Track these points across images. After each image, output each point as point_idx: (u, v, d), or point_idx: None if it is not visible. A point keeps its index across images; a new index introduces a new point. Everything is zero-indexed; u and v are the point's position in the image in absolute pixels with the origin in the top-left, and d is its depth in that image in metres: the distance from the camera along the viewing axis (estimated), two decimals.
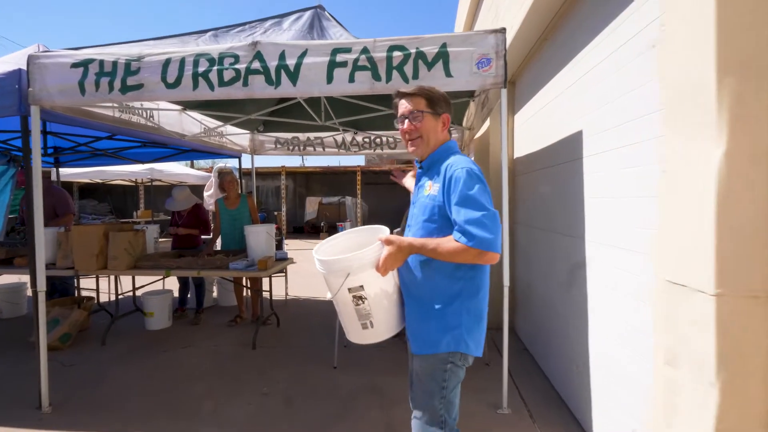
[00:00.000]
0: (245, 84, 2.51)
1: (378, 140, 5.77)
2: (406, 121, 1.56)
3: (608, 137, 2.09)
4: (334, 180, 17.78)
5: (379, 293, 1.50)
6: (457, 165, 1.45)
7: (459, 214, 1.38)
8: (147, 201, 14.30)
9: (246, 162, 6.21)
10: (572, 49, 2.56)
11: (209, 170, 13.28)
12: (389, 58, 2.45)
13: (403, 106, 1.57)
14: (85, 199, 15.71)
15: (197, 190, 9.37)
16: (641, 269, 1.78)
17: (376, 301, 1.50)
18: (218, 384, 3.14)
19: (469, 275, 1.47)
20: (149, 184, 12.45)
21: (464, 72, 2.45)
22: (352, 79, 2.48)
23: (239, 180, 4.61)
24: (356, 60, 2.47)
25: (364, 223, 14.95)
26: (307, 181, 18.43)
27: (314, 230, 15.45)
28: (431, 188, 1.51)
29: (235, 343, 4.01)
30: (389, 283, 1.54)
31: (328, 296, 1.56)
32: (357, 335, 1.59)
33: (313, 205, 15.46)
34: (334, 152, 5.92)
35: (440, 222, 1.47)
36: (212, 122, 4.83)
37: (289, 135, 5.82)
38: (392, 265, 1.44)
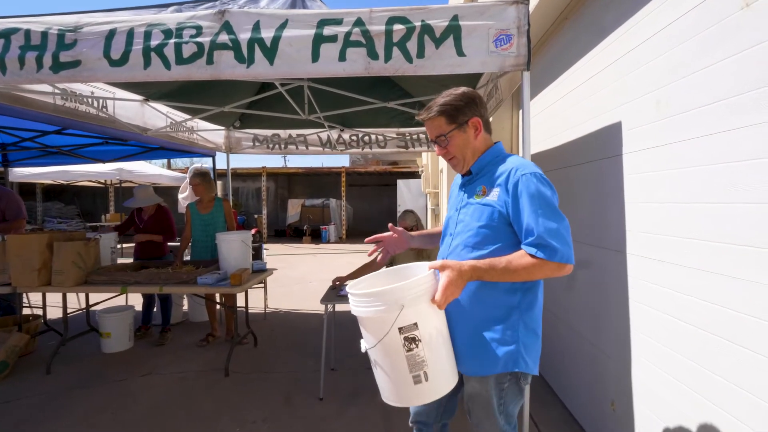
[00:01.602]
0: (209, 61, 2.03)
1: (366, 138, 5.32)
2: (437, 146, 1.46)
3: (669, 128, 1.68)
4: (318, 181, 17.23)
5: (434, 333, 1.23)
6: (525, 169, 1.31)
7: (537, 225, 1.24)
8: (117, 203, 13.47)
9: (221, 162, 5.66)
10: (606, 26, 2.17)
11: (185, 171, 12.57)
12: (389, 32, 2.00)
13: (428, 131, 1.47)
14: (50, 202, 14.74)
15: (171, 192, 8.71)
16: (721, 295, 1.38)
17: (432, 344, 1.21)
18: (181, 425, 2.62)
19: (527, 285, 1.35)
20: (119, 185, 11.66)
21: (479, 51, 2.02)
22: (342, 57, 2.02)
23: (213, 182, 4.11)
24: (348, 34, 2.01)
25: (348, 226, 14.47)
26: (289, 182, 17.82)
27: (297, 234, 14.87)
28: (487, 192, 1.37)
29: (206, 368, 3.48)
30: (443, 319, 1.28)
31: (364, 348, 1.28)
32: (407, 394, 1.24)
33: (295, 208, 14.88)
34: (318, 151, 5.44)
35: (500, 230, 1.33)
36: (180, 115, 4.28)
37: (269, 132, 5.31)
38: (453, 293, 1.22)
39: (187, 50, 2.02)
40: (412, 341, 1.18)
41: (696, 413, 1.52)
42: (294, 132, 5.30)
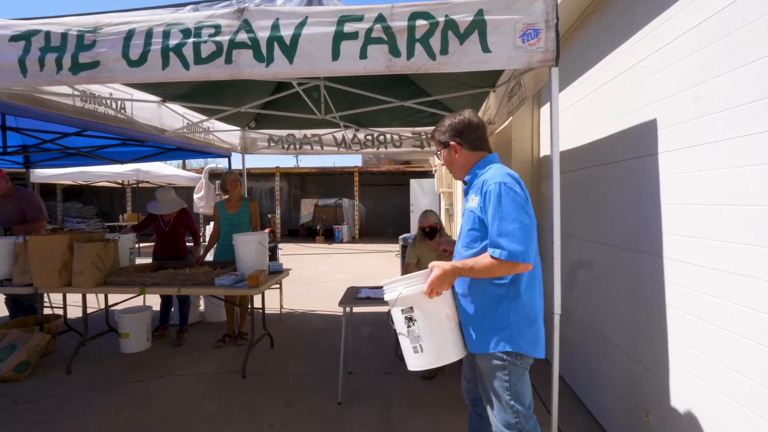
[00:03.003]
0: (228, 60, 1.99)
1: (381, 138, 5.26)
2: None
3: (710, 126, 1.59)
4: (330, 181, 17.25)
5: (428, 317, 1.60)
6: (491, 179, 1.57)
7: (492, 228, 1.51)
8: (134, 203, 13.68)
9: (236, 162, 5.68)
10: (637, 20, 2.07)
11: (200, 171, 12.70)
12: (411, 28, 1.94)
13: None
14: (69, 202, 15.05)
15: (187, 192, 8.79)
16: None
17: (425, 325, 1.60)
18: (198, 427, 2.60)
19: (509, 279, 1.57)
20: (136, 185, 11.83)
21: (506, 46, 1.94)
22: (363, 55, 1.96)
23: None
24: (369, 30, 1.95)
25: (361, 226, 14.44)
26: (302, 182, 17.88)
27: (310, 233, 14.91)
28: (473, 201, 1.63)
29: (223, 370, 3.47)
30: (440, 308, 1.62)
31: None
32: (411, 360, 1.65)
33: (308, 208, 14.91)
34: (333, 151, 5.40)
35: (482, 231, 1.60)
36: (196, 116, 4.28)
37: (283, 132, 5.29)
38: (438, 287, 1.55)
39: (206, 50, 1.99)
40: (410, 320, 1.59)
41: (744, 428, 1.43)
42: (309, 132, 5.28)
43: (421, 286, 1.56)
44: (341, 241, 13.68)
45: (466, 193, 1.75)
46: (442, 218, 10.55)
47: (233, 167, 5.56)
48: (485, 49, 1.95)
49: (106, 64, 2.04)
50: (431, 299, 1.56)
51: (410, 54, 1.96)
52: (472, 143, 1.72)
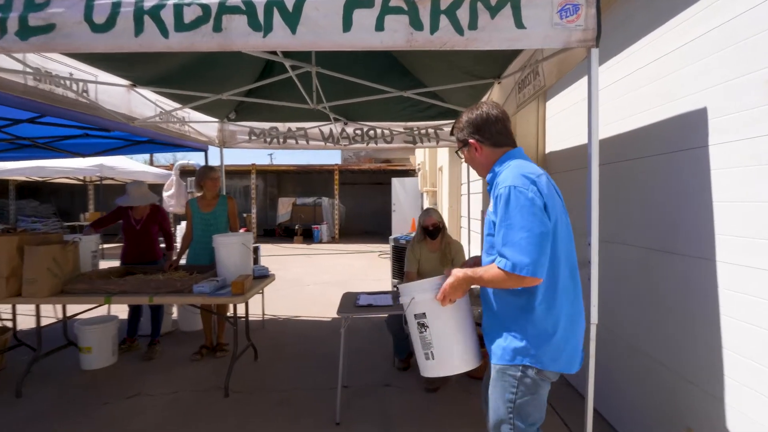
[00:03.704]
0: (217, 28, 1.66)
1: (372, 132, 4.97)
2: None
3: None
4: (309, 179, 16.80)
5: (440, 324, 1.57)
6: (502, 183, 1.45)
7: (498, 236, 1.42)
8: (97, 202, 12.80)
9: (213, 157, 5.23)
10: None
11: (170, 167, 12.00)
12: None
13: None
14: (25, 200, 13.95)
15: (156, 191, 8.21)
16: None
17: (436, 331, 1.57)
18: None
19: (521, 289, 1.44)
20: (99, 182, 11.02)
21: (542, 22, 1.70)
22: (380, 26, 1.67)
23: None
24: None
25: (341, 225, 14.10)
26: (278, 180, 17.33)
27: (287, 233, 14.42)
28: (490, 204, 1.53)
29: (202, 387, 3.09)
30: (453, 316, 1.58)
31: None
32: (422, 366, 1.64)
33: (286, 207, 14.42)
34: (320, 146, 5.07)
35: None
36: (170, 104, 3.86)
37: (266, 125, 4.91)
38: (451, 294, 1.51)
39: (190, 14, 1.65)
40: (422, 326, 1.58)
41: None
42: (294, 125, 4.92)
43: (434, 292, 1.53)
44: (320, 241, 13.28)
45: (490, 193, 1.58)
46: None
47: (208, 163, 5.13)
48: (519, 24, 1.71)
49: (64, 28, 1.67)
50: (444, 306, 1.53)
51: (434, 27, 1.69)
52: (493, 139, 1.58)
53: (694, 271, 1.81)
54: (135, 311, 3.88)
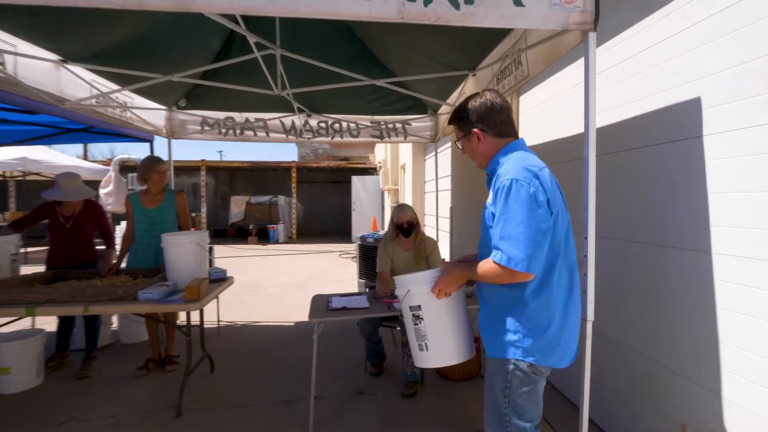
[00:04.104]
0: None
1: (337, 125, 4.72)
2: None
3: None
4: (263, 177, 16.12)
5: (435, 317, 1.61)
6: (504, 175, 1.42)
7: (495, 230, 1.41)
8: (19, 200, 11.44)
9: (160, 150, 4.73)
10: None
11: (107, 163, 10.95)
12: None
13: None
14: None
15: (91, 187, 7.42)
16: None
17: (431, 324, 1.61)
18: None
19: (523, 282, 1.41)
20: (21, 178, 9.81)
21: (541, 1, 1.59)
22: None
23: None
24: None
25: (299, 225, 13.66)
26: (230, 177, 16.48)
27: (241, 234, 13.72)
28: (489, 196, 1.51)
29: (149, 407, 2.71)
30: (448, 309, 1.61)
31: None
32: (416, 357, 1.68)
33: (239, 206, 13.71)
34: (281, 138, 4.74)
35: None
36: (109, 86, 3.39)
37: (221, 114, 4.51)
38: (446, 288, 1.54)
39: None
40: (417, 318, 1.61)
41: None
42: (252, 115, 4.56)
43: (430, 285, 1.56)
44: (277, 242, 12.75)
45: (488, 184, 1.57)
46: (389, 216, 10.24)
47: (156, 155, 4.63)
48: (517, 1, 1.58)
49: None
50: (439, 299, 1.57)
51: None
52: (497, 128, 1.54)
53: (688, 264, 1.78)
54: (65, 322, 3.36)
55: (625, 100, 2.17)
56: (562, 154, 2.78)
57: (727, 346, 1.61)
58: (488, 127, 1.53)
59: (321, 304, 2.68)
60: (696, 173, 1.71)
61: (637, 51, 2.09)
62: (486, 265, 1.40)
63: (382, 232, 4.80)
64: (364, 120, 4.72)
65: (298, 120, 4.61)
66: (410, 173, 7.80)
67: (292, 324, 4.57)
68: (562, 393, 2.80)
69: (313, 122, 4.69)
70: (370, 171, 13.73)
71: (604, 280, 2.41)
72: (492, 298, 1.50)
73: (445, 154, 5.50)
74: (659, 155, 1.93)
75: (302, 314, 4.89)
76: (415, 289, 1.58)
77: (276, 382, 3.07)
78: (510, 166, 1.43)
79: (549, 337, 1.42)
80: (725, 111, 1.59)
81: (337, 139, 4.82)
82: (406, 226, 3.03)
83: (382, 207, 11.78)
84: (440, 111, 4.45)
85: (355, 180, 11.97)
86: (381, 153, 11.49)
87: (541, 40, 2.13)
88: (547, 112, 3.11)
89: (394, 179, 9.79)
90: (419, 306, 1.59)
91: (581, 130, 2.61)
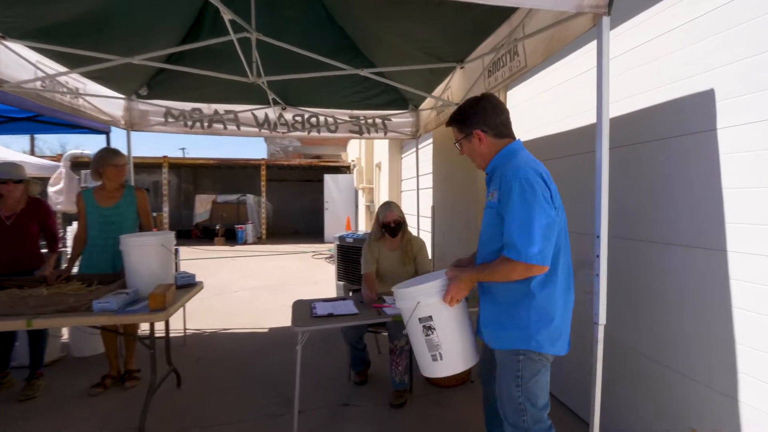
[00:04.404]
0: None
1: (314, 120, 4.48)
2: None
3: None
4: (230, 175, 15.50)
5: (447, 324, 1.60)
6: (512, 173, 1.46)
7: (507, 227, 1.44)
8: None
9: (117, 142, 4.32)
10: None
11: (58, 158, 10.10)
12: None
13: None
14: None
15: (39, 186, 6.76)
16: None
17: (444, 332, 1.59)
18: None
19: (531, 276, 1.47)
20: None
21: None
22: None
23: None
24: None
25: (269, 225, 13.22)
26: (194, 175, 15.74)
27: (206, 234, 13.10)
28: (493, 195, 1.56)
29: (108, 429, 2.39)
30: (459, 315, 1.63)
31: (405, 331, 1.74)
32: (428, 368, 1.66)
33: (204, 205, 13.09)
34: (254, 132, 4.45)
35: (500, 227, 1.50)
36: (58, 68, 3.01)
37: (187, 105, 4.16)
38: (458, 294, 1.56)
39: None
40: (428, 329, 1.58)
41: None
42: (222, 107, 4.24)
43: (440, 294, 1.56)
44: (245, 243, 12.25)
45: (488, 184, 1.65)
46: (363, 216, 10.03)
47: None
48: None
49: None
50: (451, 307, 1.57)
51: None
52: (497, 130, 1.60)
53: (698, 263, 1.70)
54: (4, 337, 2.95)
55: (627, 92, 2.09)
56: (554, 151, 2.70)
57: (744, 347, 1.53)
58: (489, 128, 1.59)
59: (304, 310, 2.46)
60: (706, 168, 1.64)
61: (646, 39, 2.00)
62: (499, 264, 1.45)
63: (361, 232, 4.61)
64: (343, 114, 4.50)
65: (273, 113, 4.33)
66: (386, 171, 7.65)
67: (266, 330, 4.29)
68: (560, 400, 2.71)
69: (288, 116, 4.42)
70: (343, 170, 13.47)
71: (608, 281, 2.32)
72: (499, 294, 1.55)
73: (426, 150, 5.36)
74: (657, 151, 1.86)
75: (277, 319, 4.62)
76: (425, 300, 1.55)
77: (251, 396, 2.82)
78: (516, 166, 1.48)
79: (555, 326, 1.49)
80: (740, 104, 1.52)
81: (314, 134, 4.57)
82: (394, 225, 2.86)
83: (356, 206, 11.57)
84: (422, 106, 4.30)
85: (328, 178, 11.69)
86: (354, 151, 11.28)
87: (542, 28, 2.01)
88: (538, 107, 3.03)
89: (368, 178, 9.60)
90: (430, 317, 1.57)
91: (577, 124, 2.55)
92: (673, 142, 1.82)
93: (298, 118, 4.46)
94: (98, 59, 2.75)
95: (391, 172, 7.44)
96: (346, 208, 11.50)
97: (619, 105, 2.12)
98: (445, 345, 1.59)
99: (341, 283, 4.56)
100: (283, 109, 4.32)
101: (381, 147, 8.28)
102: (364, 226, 9.90)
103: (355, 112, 4.51)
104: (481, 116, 1.59)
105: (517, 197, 1.41)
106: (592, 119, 2.34)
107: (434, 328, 1.57)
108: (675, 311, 1.83)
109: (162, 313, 2.26)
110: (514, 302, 1.50)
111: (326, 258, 9.17)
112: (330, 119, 4.49)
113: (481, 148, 1.61)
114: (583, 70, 2.45)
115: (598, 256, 1.64)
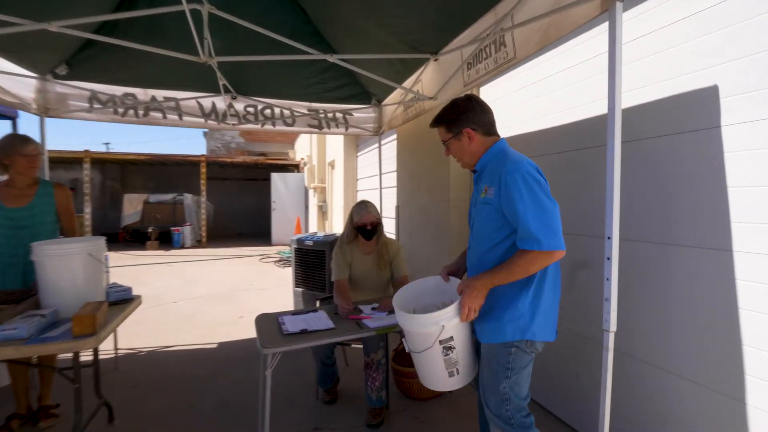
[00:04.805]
0: None
1: (268, 111, 4.08)
2: (445, 148, 1.73)
3: None
4: (164, 173, 14.22)
5: (464, 339, 1.59)
6: (511, 168, 1.49)
7: (522, 221, 1.44)
8: None
9: (29, 128, 3.61)
10: None
11: None
12: None
13: (438, 134, 1.73)
14: None
15: None
16: None
17: (461, 349, 1.58)
18: None
19: None
20: None
21: None
22: None
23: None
24: None
25: (209, 227, 12.30)
26: (122, 172, 14.24)
27: (136, 238, 11.86)
28: (487, 191, 1.58)
29: None
30: (468, 328, 1.61)
31: (408, 348, 1.64)
32: (442, 383, 1.64)
33: (134, 205, 11.85)
34: (199, 123, 3.96)
35: (500, 221, 1.54)
36: None
37: (118, 89, 3.59)
38: (474, 304, 1.50)
39: None
40: (449, 349, 1.57)
41: None
42: (161, 93, 3.72)
43: (457, 312, 1.51)
44: (183, 246, 11.25)
45: (476, 182, 1.69)
46: (315, 217, 9.61)
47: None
48: None
49: None
50: (470, 320, 1.55)
51: None
52: (486, 128, 1.65)
53: (700, 264, 1.65)
54: None
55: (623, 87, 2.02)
56: (543, 148, 2.61)
57: (750, 348, 1.49)
58: (479, 126, 1.63)
59: (270, 327, 2.12)
60: (710, 167, 1.59)
61: (650, 30, 1.93)
62: (520, 258, 1.44)
63: (321, 234, 4.29)
64: (300, 107, 4.16)
65: (221, 102, 3.88)
66: (341, 170, 7.34)
67: (214, 346, 3.83)
68: (550, 411, 2.62)
69: (239, 106, 3.99)
70: (291, 168, 12.89)
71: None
72: (498, 288, 1.53)
73: (389, 147, 5.14)
74: (657, 149, 1.80)
75: (227, 333, 4.16)
76: (449, 323, 1.50)
77: (202, 427, 2.42)
78: (515, 162, 1.50)
79: (546, 313, 1.53)
80: (746, 101, 1.47)
81: (269, 127, 4.18)
82: (370, 227, 2.61)
83: (306, 207, 11.09)
84: (386, 101, 4.08)
85: (276, 177, 11.09)
86: (305, 148, 10.80)
87: (537, 16, 1.87)
88: (510, 105, 2.93)
89: (321, 176, 9.21)
90: (451, 337, 1.53)
91: (568, 120, 2.43)
92: (667, 140, 1.77)
93: (251, 109, 4.04)
94: (1, 23, 2.19)
95: (346, 170, 7.16)
96: (295, 209, 10.99)
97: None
98: (462, 359, 1.59)
99: (300, 289, 4.20)
100: (234, 98, 3.89)
101: (335, 144, 7.96)
102: (316, 227, 9.48)
103: (315, 105, 4.18)
104: (471, 115, 1.62)
105: (524, 190, 1.44)
106: (585, 114, 2.25)
107: (454, 347, 1.54)
108: (679, 313, 1.77)
109: (91, 339, 1.81)
110: (512, 294, 1.52)
111: (276, 262, 8.65)
112: (286, 111, 4.12)
113: (471, 147, 1.64)
114: (578, 61, 2.33)
115: (609, 259, 1.55)
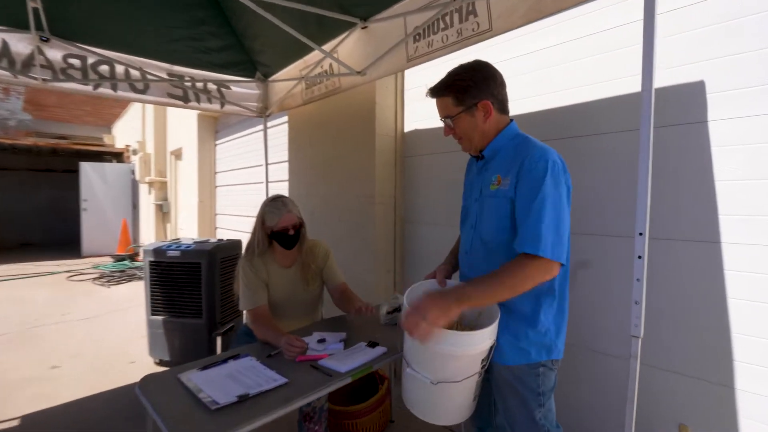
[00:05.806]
0: None
1: (105, 68, 2.82)
2: (444, 125, 1.39)
3: None
4: None
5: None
6: (538, 156, 1.23)
7: (531, 219, 1.19)
8: None
9: None
10: None
11: None
12: None
13: (437, 107, 1.39)
14: None
15: None
16: None
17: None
18: None
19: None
20: None
21: None
22: None
23: None
24: None
25: None
26: None
27: None
28: (501, 182, 1.30)
29: None
30: None
31: (427, 379, 1.25)
32: (463, 412, 1.34)
33: None
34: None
35: (513, 218, 1.26)
36: None
37: None
38: (428, 330, 1.22)
39: None
40: (483, 368, 1.32)
41: None
42: None
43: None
44: None
45: (479, 172, 1.40)
46: (152, 218, 7.68)
47: None
48: None
49: None
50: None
51: None
52: (501, 104, 1.34)
53: (689, 256, 1.66)
54: None
55: (590, 79, 1.93)
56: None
57: (740, 336, 1.55)
58: (497, 99, 1.32)
59: (174, 398, 1.28)
60: (697, 161, 1.60)
61: (610, 27, 1.86)
62: (517, 267, 1.19)
63: (187, 242, 3.27)
64: (158, 68, 3.04)
65: (23, 44, 2.51)
66: (193, 161, 5.99)
67: (16, 422, 2.46)
68: None
69: (55, 54, 2.66)
70: (108, 157, 10.14)
71: (591, 278, 2.10)
72: (516, 300, 1.26)
73: (277, 132, 4.29)
74: (656, 140, 1.77)
75: (34, 394, 2.76)
76: (492, 337, 1.24)
77: None
78: (543, 148, 1.26)
79: (564, 326, 1.35)
80: (735, 96, 1.51)
81: (104, 90, 2.93)
82: (293, 231, 1.95)
83: (134, 206, 8.86)
84: (274, 77, 3.35)
85: (87, 168, 8.50)
86: (134, 133, 8.56)
87: None
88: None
89: (160, 169, 7.41)
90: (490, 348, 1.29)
91: (559, 104, 2.18)
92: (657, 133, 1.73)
93: (75, 61, 2.74)
94: None
95: (201, 161, 5.86)
96: (119, 209, 8.65)
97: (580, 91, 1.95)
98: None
99: (158, 318, 3.09)
100: (45, 40, 2.57)
101: (181, 129, 6.47)
102: (153, 232, 7.59)
103: (179, 68, 3.12)
104: (492, 84, 1.30)
105: (550, 185, 1.19)
106: (579, 98, 2.03)
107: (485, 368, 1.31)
108: (670, 306, 1.76)
109: None
110: (533, 308, 1.29)
111: (93, 279, 6.56)
112: (135, 72, 2.95)
113: (486, 124, 1.32)
114: (573, 37, 2.06)
115: (640, 257, 1.39)
